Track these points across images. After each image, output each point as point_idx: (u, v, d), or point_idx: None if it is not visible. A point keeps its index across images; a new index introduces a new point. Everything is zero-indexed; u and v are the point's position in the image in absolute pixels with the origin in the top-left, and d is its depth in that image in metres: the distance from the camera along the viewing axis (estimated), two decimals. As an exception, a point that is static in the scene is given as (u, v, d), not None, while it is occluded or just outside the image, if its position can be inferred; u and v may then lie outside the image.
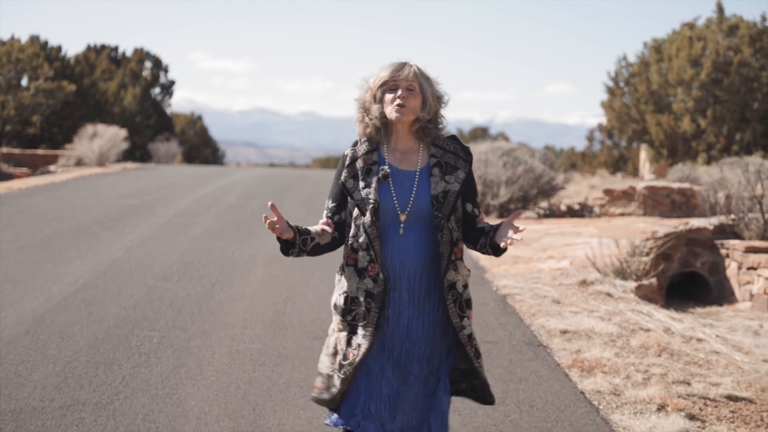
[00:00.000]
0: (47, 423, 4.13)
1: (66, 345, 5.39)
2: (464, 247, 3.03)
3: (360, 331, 2.91)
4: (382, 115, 2.95)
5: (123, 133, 22.56)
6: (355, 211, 2.95)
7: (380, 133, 2.98)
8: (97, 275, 7.51)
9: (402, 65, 2.96)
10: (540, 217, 13.34)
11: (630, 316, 6.89)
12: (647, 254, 8.21)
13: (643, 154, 25.45)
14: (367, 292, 2.91)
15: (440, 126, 3.00)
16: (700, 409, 4.80)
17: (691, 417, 4.64)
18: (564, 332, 6.24)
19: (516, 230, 2.84)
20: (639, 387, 5.08)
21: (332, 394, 2.94)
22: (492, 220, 12.98)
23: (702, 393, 5.08)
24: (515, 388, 4.96)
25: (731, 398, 5.07)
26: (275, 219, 2.85)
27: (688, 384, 5.24)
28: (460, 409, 4.44)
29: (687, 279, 8.89)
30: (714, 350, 6.38)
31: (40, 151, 24.01)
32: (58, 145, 27.61)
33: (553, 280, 7.96)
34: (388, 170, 2.93)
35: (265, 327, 6.01)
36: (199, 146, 44.88)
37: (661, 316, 7.22)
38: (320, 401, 2.98)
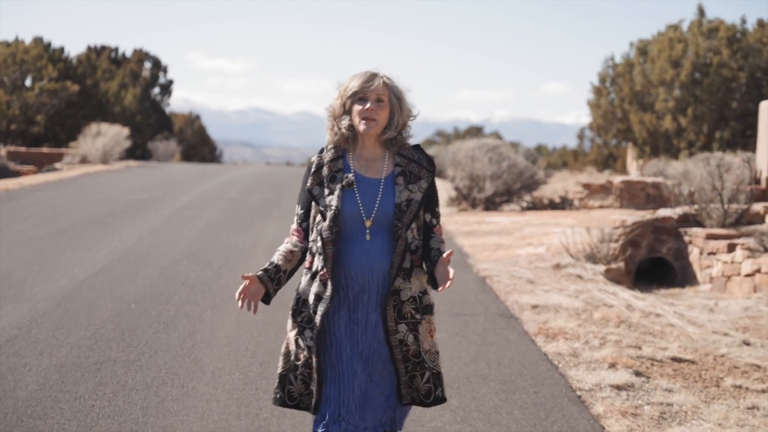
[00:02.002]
0: (85, 375, 4.87)
1: (94, 315, 6.13)
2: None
3: (307, 333, 3.00)
4: (350, 125, 3.01)
5: (126, 131, 23.34)
6: (318, 216, 3.02)
7: (348, 141, 3.04)
8: (114, 260, 8.25)
9: (372, 76, 3.00)
10: (523, 209, 14.14)
11: (596, 295, 7.65)
12: (616, 241, 8.98)
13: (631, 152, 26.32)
14: (316, 295, 2.99)
15: (407, 136, 3.08)
16: (647, 368, 5.55)
17: (638, 373, 5.39)
18: (534, 307, 6.99)
19: (447, 275, 2.90)
20: (595, 350, 5.84)
21: (290, 393, 3.04)
22: (480, 213, 13.75)
23: (650, 355, 5.83)
24: (486, 350, 5.71)
25: (676, 359, 5.83)
26: (248, 283, 2.95)
27: (639, 348, 6.00)
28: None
29: (655, 265, 9.65)
30: (669, 323, 7.14)
31: (45, 150, 24.74)
32: (61, 144, 28.38)
33: (529, 264, 8.72)
34: (353, 178, 2.98)
35: (268, 302, 6.74)
36: (197, 145, 45.55)
37: (625, 295, 7.97)
38: (274, 400, 3.08)
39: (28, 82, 28.32)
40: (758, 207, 9.53)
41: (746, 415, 4.85)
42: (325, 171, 3.02)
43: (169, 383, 4.79)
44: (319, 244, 2.97)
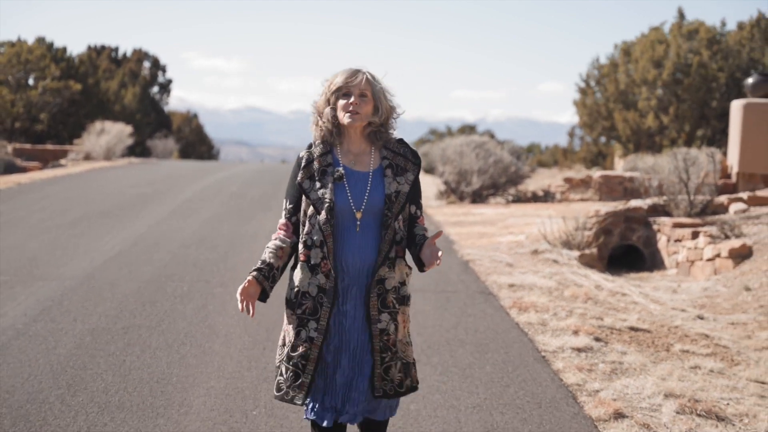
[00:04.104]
0: (115, 337, 5.62)
1: (116, 291, 6.88)
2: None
3: (312, 325, 3.05)
4: (334, 119, 3.10)
5: (128, 129, 24.11)
6: (310, 210, 3.07)
7: (333, 135, 3.12)
8: (129, 245, 8.99)
9: (355, 72, 3.10)
10: (508, 202, 14.95)
11: (569, 276, 8.41)
12: (590, 229, 9.75)
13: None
14: (320, 287, 3.04)
15: (391, 131, 3.17)
16: (606, 335, 6.30)
17: (597, 339, 6.14)
18: (511, 285, 7.75)
19: (436, 254, 3.01)
20: (561, 320, 6.60)
21: (279, 384, 3.10)
22: (467, 205, 14.52)
23: (610, 325, 6.59)
24: (465, 321, 6.47)
25: (633, 329, 6.58)
26: (246, 285, 3.04)
27: (602, 319, 6.76)
28: (420, 330, 5.94)
29: (627, 252, 10.43)
30: (633, 301, 7.91)
31: (49, 147, 25.46)
32: (64, 141, 29.13)
33: (509, 250, 9.48)
34: (343, 171, 3.06)
35: (271, 280, 7.50)
36: (195, 143, 46.24)
37: (596, 277, 8.73)
38: (277, 397, 3.12)
39: (31, 81, 29.17)
40: (722, 198, 10.31)
41: (688, 372, 5.60)
42: (315, 165, 3.09)
43: (188, 344, 5.54)
44: (316, 237, 3.04)
